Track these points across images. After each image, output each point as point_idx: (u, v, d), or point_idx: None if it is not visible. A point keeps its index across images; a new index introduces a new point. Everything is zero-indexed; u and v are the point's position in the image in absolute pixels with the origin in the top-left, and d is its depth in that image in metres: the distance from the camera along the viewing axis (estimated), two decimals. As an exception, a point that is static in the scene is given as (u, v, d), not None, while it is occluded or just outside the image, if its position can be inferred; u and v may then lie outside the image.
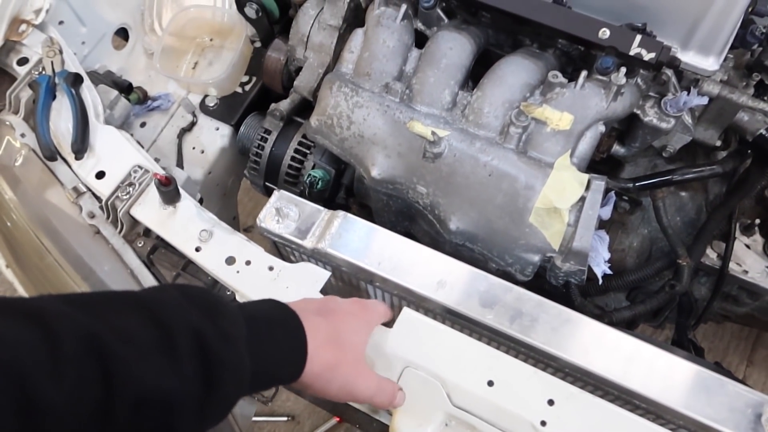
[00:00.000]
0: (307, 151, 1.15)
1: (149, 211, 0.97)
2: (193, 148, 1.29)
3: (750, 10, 1.02)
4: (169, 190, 0.94)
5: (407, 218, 1.09)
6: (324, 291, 0.91)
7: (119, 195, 0.97)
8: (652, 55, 0.93)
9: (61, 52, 1.08)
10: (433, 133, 0.92)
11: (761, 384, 1.91)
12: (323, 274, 0.91)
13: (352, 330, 0.73)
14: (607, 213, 0.95)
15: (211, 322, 0.57)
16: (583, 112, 0.94)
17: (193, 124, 1.31)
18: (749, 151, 1.13)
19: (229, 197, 1.42)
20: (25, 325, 0.47)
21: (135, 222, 0.98)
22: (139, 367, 0.51)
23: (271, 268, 0.92)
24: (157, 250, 0.98)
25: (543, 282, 1.02)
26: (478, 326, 0.87)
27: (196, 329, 0.55)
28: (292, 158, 1.15)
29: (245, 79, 1.35)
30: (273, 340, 0.63)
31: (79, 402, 0.47)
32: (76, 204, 1.01)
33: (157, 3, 1.38)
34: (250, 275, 0.91)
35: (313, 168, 1.14)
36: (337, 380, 0.69)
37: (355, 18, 1.14)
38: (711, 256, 1.17)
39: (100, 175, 1.00)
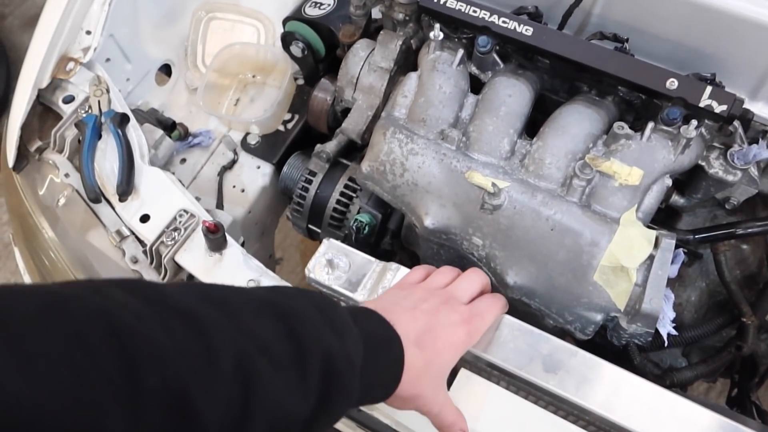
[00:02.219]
0: (354, 195, 1.11)
1: (195, 258, 0.93)
2: (234, 186, 1.27)
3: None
4: (216, 238, 0.91)
5: (458, 268, 1.04)
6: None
7: (164, 240, 0.94)
8: (724, 107, 0.89)
9: (108, 91, 1.06)
10: (494, 184, 0.89)
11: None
12: (376, 330, 0.86)
13: (445, 363, 0.73)
14: (675, 271, 0.90)
15: (340, 342, 0.57)
16: (651, 165, 0.90)
17: (234, 162, 1.28)
18: (816, 205, 1.08)
19: (267, 236, 1.39)
20: (185, 330, 0.46)
21: (179, 268, 0.95)
22: (274, 385, 0.50)
23: (320, 322, 0.88)
24: (201, 298, 0.94)
25: (596, 335, 0.97)
26: (539, 391, 0.82)
27: (327, 349, 0.55)
28: (338, 201, 1.12)
29: (287, 117, 1.33)
30: (378, 366, 0.63)
31: (223, 421, 0.46)
32: (119, 248, 0.98)
33: (201, 39, 1.37)
34: (299, 329, 0.87)
35: (358, 212, 1.10)
36: (407, 407, 0.72)
37: (406, 60, 1.11)
38: (775, 313, 1.11)
39: (145, 218, 0.97)
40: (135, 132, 1.06)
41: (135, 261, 0.97)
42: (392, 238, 1.14)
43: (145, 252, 0.96)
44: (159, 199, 0.99)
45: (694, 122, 0.88)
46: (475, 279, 0.85)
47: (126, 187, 0.98)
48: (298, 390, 0.52)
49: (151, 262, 0.96)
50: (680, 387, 1.16)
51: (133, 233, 0.99)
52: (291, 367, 0.51)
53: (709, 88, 0.89)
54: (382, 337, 0.65)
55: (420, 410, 0.73)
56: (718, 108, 0.89)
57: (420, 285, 0.83)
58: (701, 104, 0.89)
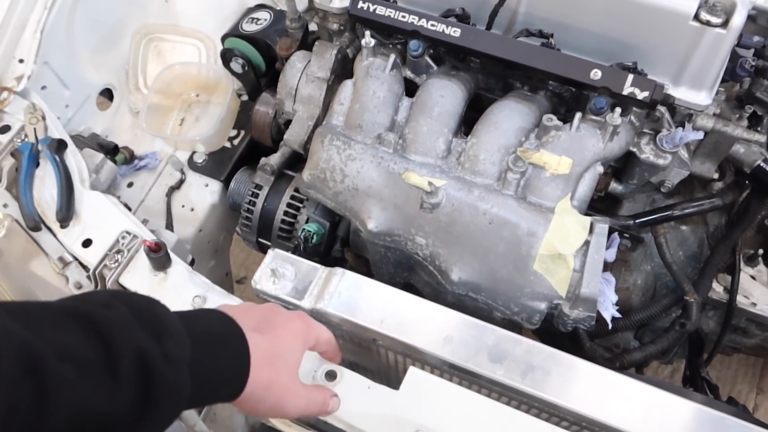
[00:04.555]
0: (300, 205, 1.12)
1: (139, 278, 0.93)
2: (183, 206, 1.26)
3: (736, 43, 1.03)
4: (159, 257, 0.90)
5: (406, 269, 1.06)
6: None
7: (107, 263, 0.94)
8: (646, 93, 0.92)
9: (44, 118, 1.05)
10: (430, 183, 0.90)
11: (773, 412, 1.87)
12: (324, 336, 0.87)
13: (289, 348, 0.71)
14: (612, 255, 0.92)
15: (157, 341, 0.55)
16: (581, 154, 0.93)
17: (181, 182, 1.28)
18: (747, 182, 1.12)
19: (221, 253, 1.38)
20: None
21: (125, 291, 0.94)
22: (76, 387, 0.49)
23: (269, 332, 0.88)
24: (148, 318, 0.93)
25: (550, 324, 0.99)
26: (488, 382, 0.84)
27: (141, 349, 0.53)
28: (285, 213, 1.12)
29: (233, 133, 1.33)
30: (216, 360, 0.62)
31: (8, 423, 0.45)
32: (62, 275, 0.97)
33: (141, 61, 1.37)
34: (247, 341, 0.87)
35: (306, 222, 1.11)
36: (268, 400, 0.68)
37: (343, 69, 1.13)
38: (717, 290, 1.15)
39: (87, 243, 0.96)
40: (74, 157, 1.05)
41: (79, 287, 0.96)
42: (342, 245, 1.15)
43: (88, 277, 0.95)
44: (101, 223, 0.98)
45: (618, 110, 0.91)
46: None
47: (66, 213, 0.98)
48: (110, 393, 0.51)
49: (96, 287, 0.95)
50: (635, 369, 1.19)
51: (76, 259, 0.97)
52: (99, 370, 0.51)
53: (630, 77, 0.93)
54: (219, 333, 0.64)
55: (283, 405, 0.70)
56: (641, 95, 0.92)
57: None
58: (624, 92, 0.92)
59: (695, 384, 1.16)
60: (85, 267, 0.97)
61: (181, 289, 0.91)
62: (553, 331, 1.01)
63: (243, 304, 0.77)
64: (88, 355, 0.51)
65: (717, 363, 1.94)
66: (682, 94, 0.99)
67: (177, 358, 0.56)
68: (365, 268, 1.21)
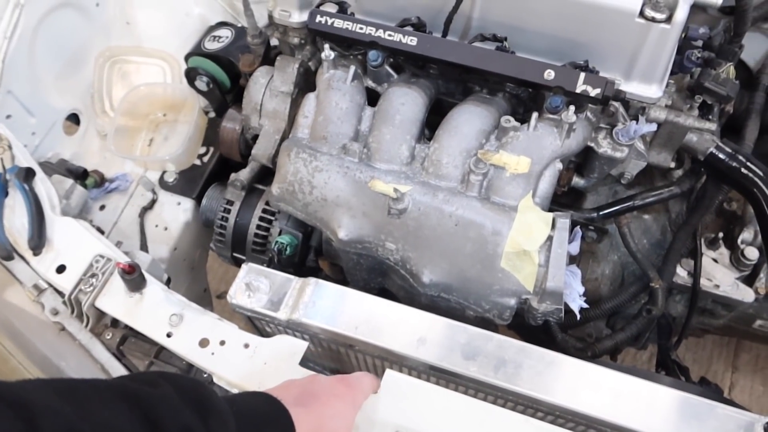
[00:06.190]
0: (272, 218, 1.14)
1: (115, 300, 0.94)
2: (156, 225, 1.27)
3: (684, 36, 1.07)
4: (133, 278, 0.91)
5: (380, 274, 1.08)
6: (304, 359, 0.89)
7: (82, 288, 0.94)
8: (598, 90, 0.96)
9: (10, 147, 1.06)
10: (396, 189, 0.93)
11: (749, 389, 1.92)
12: (301, 346, 0.89)
13: (337, 415, 0.72)
14: (575, 248, 0.95)
15: (202, 421, 0.56)
16: (539, 152, 0.96)
17: (153, 202, 1.29)
18: (702, 169, 1.17)
19: (198, 270, 1.39)
20: (7, 416, 0.45)
21: (101, 314, 0.95)
22: None
23: (246, 346, 0.89)
24: (127, 340, 0.94)
25: (523, 318, 1.02)
26: (463, 379, 0.86)
27: (186, 428, 0.54)
28: (258, 227, 1.14)
29: (203, 150, 1.34)
30: None
31: None
32: (37, 302, 0.97)
33: (106, 84, 1.38)
34: (225, 356, 0.89)
35: (279, 234, 1.13)
36: None
37: (306, 82, 1.15)
38: (681, 274, 1.19)
39: (61, 269, 0.97)
40: (43, 185, 1.05)
41: (55, 313, 0.97)
42: (316, 254, 1.17)
43: (64, 302, 0.96)
44: (73, 248, 0.99)
45: (572, 107, 0.94)
46: None
47: (38, 241, 0.98)
48: None
49: (72, 312, 0.96)
50: (609, 356, 1.22)
51: (50, 285, 0.98)
52: None
53: (582, 75, 0.96)
54: (263, 412, 0.66)
55: None
56: (593, 92, 0.95)
57: None
58: (578, 90, 0.96)
59: (666, 367, 1.20)
60: (60, 293, 0.98)
61: (158, 309, 0.92)
62: (528, 325, 1.04)
63: (284, 382, 0.77)
64: None
65: (692, 345, 1.99)
66: (633, 88, 1.03)
67: None
68: (341, 276, 1.23)
